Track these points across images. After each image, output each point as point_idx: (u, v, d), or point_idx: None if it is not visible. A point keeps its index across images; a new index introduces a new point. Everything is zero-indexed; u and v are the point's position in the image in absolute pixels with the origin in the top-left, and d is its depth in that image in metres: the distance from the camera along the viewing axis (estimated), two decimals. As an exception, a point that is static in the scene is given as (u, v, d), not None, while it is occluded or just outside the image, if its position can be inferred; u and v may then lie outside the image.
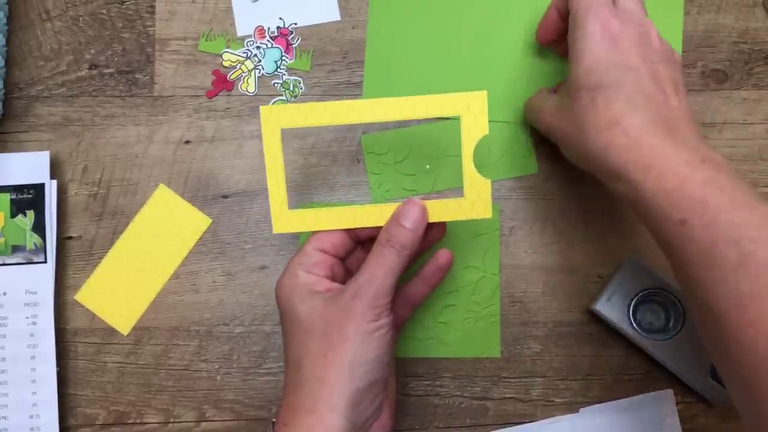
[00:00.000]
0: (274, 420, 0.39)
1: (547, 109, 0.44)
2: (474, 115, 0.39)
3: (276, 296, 0.40)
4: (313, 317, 0.38)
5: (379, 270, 0.38)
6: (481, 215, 0.40)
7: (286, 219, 0.41)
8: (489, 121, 0.39)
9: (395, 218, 0.39)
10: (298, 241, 0.49)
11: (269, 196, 0.41)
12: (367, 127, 0.49)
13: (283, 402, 0.39)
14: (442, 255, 0.43)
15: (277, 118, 0.40)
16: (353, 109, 0.40)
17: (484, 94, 0.39)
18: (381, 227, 0.40)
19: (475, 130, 0.39)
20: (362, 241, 0.42)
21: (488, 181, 0.40)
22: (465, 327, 0.49)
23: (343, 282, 0.40)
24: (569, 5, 0.41)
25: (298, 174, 0.49)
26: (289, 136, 0.49)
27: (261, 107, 0.40)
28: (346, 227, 0.41)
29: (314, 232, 0.41)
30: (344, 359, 0.37)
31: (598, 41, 0.39)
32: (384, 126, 0.49)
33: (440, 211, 0.40)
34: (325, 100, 0.49)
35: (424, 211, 0.39)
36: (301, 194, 0.49)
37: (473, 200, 0.40)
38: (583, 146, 0.39)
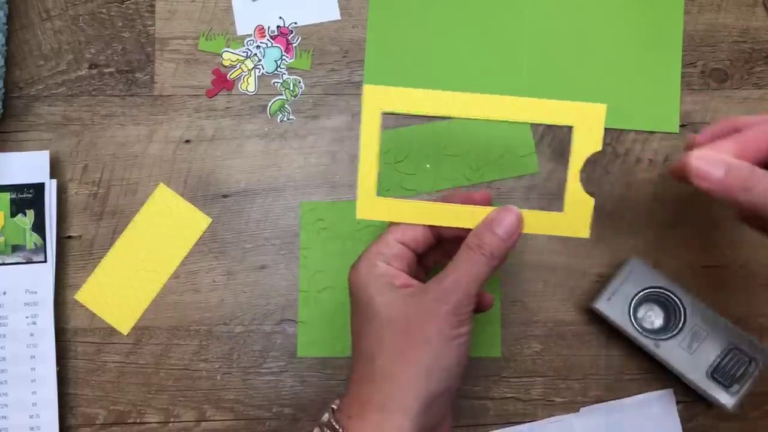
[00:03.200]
0: (334, 407, 0.38)
1: None
2: (588, 127, 0.37)
3: (350, 282, 0.38)
4: (392, 312, 0.36)
5: (466, 277, 0.36)
6: (578, 234, 0.38)
7: (371, 206, 0.38)
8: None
9: (488, 224, 0.37)
10: (299, 240, 0.49)
11: (358, 179, 0.38)
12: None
13: (349, 392, 0.37)
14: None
15: (380, 100, 0.37)
16: (462, 102, 0.37)
17: (603, 107, 0.37)
18: (468, 229, 0.37)
19: (588, 143, 0.37)
20: (444, 239, 0.40)
21: (591, 200, 0.38)
22: (465, 326, 0.49)
23: (417, 279, 0.39)
24: None
25: (298, 173, 0.49)
26: (288, 134, 0.49)
27: (365, 85, 0.38)
28: (434, 224, 0.39)
29: (395, 223, 0.39)
30: (423, 361, 0.35)
31: None
32: (384, 125, 0.49)
33: (535, 223, 0.38)
34: (325, 99, 0.50)
35: (519, 221, 0.37)
36: (303, 193, 0.49)
37: (572, 217, 0.38)
38: None
